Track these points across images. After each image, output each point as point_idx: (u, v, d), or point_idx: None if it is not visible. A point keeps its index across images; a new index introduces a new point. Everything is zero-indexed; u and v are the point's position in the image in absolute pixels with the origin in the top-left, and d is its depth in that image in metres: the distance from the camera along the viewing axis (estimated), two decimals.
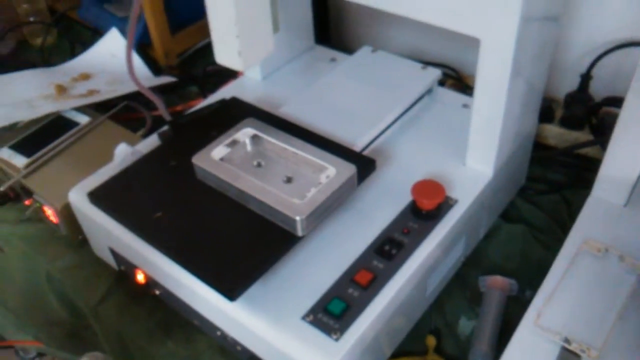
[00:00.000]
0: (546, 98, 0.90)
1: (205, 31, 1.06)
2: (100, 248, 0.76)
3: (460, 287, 0.73)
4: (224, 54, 0.62)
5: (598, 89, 0.86)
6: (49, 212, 0.82)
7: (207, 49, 1.14)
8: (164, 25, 1.05)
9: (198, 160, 0.64)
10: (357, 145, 0.69)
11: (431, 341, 0.67)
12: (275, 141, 0.66)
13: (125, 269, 0.74)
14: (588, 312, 0.55)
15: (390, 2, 0.61)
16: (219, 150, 0.65)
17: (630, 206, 0.65)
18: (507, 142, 0.68)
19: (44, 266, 0.83)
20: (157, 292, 0.70)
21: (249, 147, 0.67)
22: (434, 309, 0.70)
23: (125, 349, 0.73)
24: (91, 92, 1.01)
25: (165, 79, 1.02)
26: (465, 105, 0.79)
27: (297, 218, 0.57)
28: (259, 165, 0.65)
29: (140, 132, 0.91)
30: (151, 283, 0.70)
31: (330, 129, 0.71)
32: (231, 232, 0.60)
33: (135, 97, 0.99)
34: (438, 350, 0.67)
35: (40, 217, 0.85)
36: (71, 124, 0.90)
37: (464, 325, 0.69)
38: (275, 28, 0.63)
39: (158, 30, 1.05)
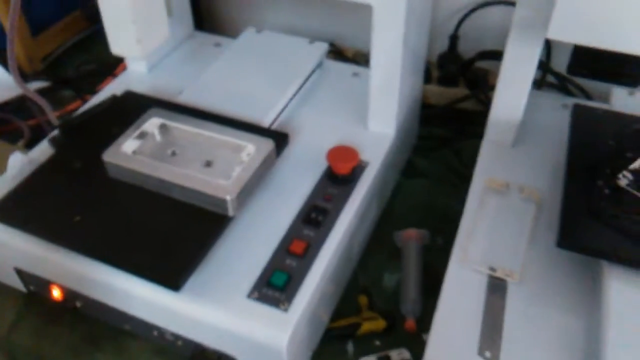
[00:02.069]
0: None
1: (70, 30, 1.01)
2: (3, 272, 0.70)
3: (378, 245, 0.76)
4: (120, 43, 0.60)
5: (465, 48, 0.93)
6: None
7: (75, 48, 1.08)
8: (24, 27, 0.98)
9: (109, 156, 0.61)
10: (264, 122, 0.70)
11: (363, 300, 0.70)
12: (186, 127, 0.65)
13: (35, 289, 0.69)
14: (504, 241, 0.61)
15: None
16: (129, 144, 0.62)
17: (517, 146, 0.72)
18: (403, 104, 0.72)
19: None
20: (78, 305, 0.67)
21: (159, 138, 0.65)
22: (359, 269, 0.73)
23: None
24: None
25: (39, 84, 0.95)
26: (355, 74, 0.82)
27: (228, 198, 0.56)
28: (173, 154, 0.64)
29: (21, 143, 0.84)
30: (69, 297, 0.66)
31: (233, 111, 0.71)
32: (159, 224, 0.58)
33: (2, 108, 0.92)
34: (370, 307, 0.70)
35: None
36: None
37: (389, 279, 0.73)
38: (169, 11, 0.62)
39: (18, 35, 0.97)
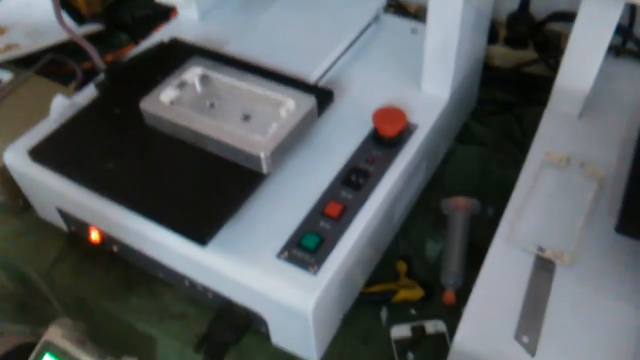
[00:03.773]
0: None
1: None
2: (46, 210, 0.71)
3: (423, 212, 0.73)
4: None
5: (537, 8, 0.86)
6: None
7: None
8: None
9: (146, 105, 0.59)
10: (311, 78, 0.67)
11: (402, 266, 0.67)
12: (226, 79, 0.62)
13: (76, 230, 0.70)
14: (557, 220, 0.56)
15: None
16: (167, 93, 0.61)
17: (584, 117, 0.66)
18: (461, 66, 0.67)
19: None
20: (115, 249, 0.67)
21: (198, 88, 0.63)
22: (401, 236, 0.70)
23: (86, 311, 0.69)
24: (9, 47, 0.93)
25: (92, 27, 0.95)
26: (414, 30, 0.77)
27: (262, 155, 0.54)
28: (212, 105, 0.62)
29: (72, 85, 0.85)
30: (107, 240, 0.66)
31: (280, 64, 0.68)
32: (192, 176, 0.57)
33: (60, 50, 0.92)
34: (409, 275, 0.67)
35: None
36: None
37: (432, 248, 0.70)
38: None
39: None
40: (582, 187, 0.59)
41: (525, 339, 0.48)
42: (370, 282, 0.66)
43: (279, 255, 0.54)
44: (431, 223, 0.72)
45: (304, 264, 0.54)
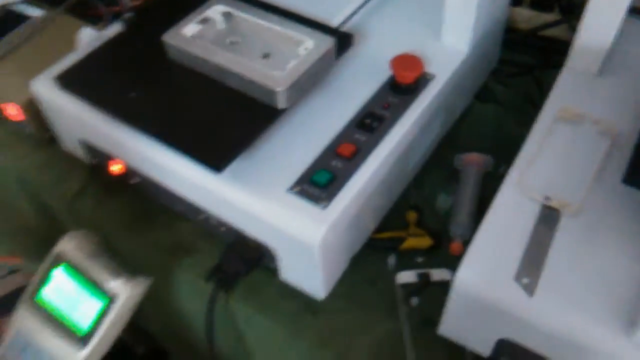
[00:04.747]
0: None
1: None
2: (70, 142, 0.74)
3: (438, 165, 0.74)
4: None
5: None
6: (12, 111, 0.78)
7: None
8: None
9: (169, 37, 0.61)
10: (333, 21, 0.68)
11: (412, 216, 0.69)
12: (248, 17, 0.63)
13: (98, 162, 0.72)
14: (566, 173, 0.57)
15: None
16: (190, 28, 0.62)
17: (603, 75, 0.66)
18: (482, 20, 0.67)
19: (13, 168, 0.80)
20: (135, 182, 0.69)
21: (221, 25, 0.64)
22: (414, 187, 0.72)
23: (106, 243, 0.72)
24: None
25: None
26: None
27: (278, 89, 0.55)
28: (233, 42, 0.63)
29: (100, 26, 0.86)
30: (128, 172, 0.69)
31: (303, 7, 0.68)
32: (210, 108, 0.59)
33: None
34: (419, 225, 0.69)
35: (2, 118, 0.81)
36: (23, 18, 0.85)
37: (443, 200, 0.71)
38: None
39: None
40: (595, 142, 0.59)
41: (525, 280, 0.49)
42: (380, 229, 0.68)
43: (291, 189, 0.56)
44: (444, 177, 0.73)
45: (314, 199, 0.55)
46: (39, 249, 0.98)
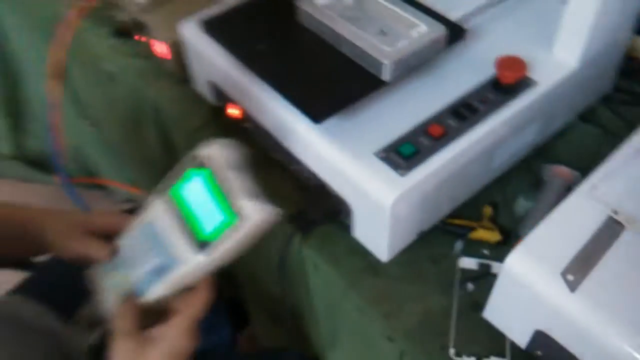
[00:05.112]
0: None
1: None
2: (201, 83, 0.84)
3: (525, 171, 0.76)
4: None
5: None
6: (160, 48, 0.90)
7: None
8: None
9: (303, 3, 0.69)
10: (452, 16, 0.72)
11: (487, 210, 0.72)
12: None
13: (220, 104, 0.82)
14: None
15: None
16: None
17: None
18: (597, 40, 0.69)
19: (149, 96, 0.93)
20: (248, 126, 0.78)
21: (349, 0, 0.71)
22: (497, 185, 0.75)
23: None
24: None
25: None
26: (563, 1, 0.79)
27: (385, 62, 0.62)
28: (356, 17, 0.70)
29: None
30: (244, 117, 0.77)
31: (431, 1, 0.74)
32: (324, 69, 0.66)
33: None
34: (492, 220, 0.72)
35: (150, 53, 0.93)
36: None
37: (522, 204, 0.73)
38: None
39: None
40: None
41: (570, 277, 0.52)
42: (454, 216, 0.72)
43: (377, 153, 0.62)
44: (529, 183, 0.75)
45: (395, 166, 0.61)
46: (157, 179, 1.11)
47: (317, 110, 0.61)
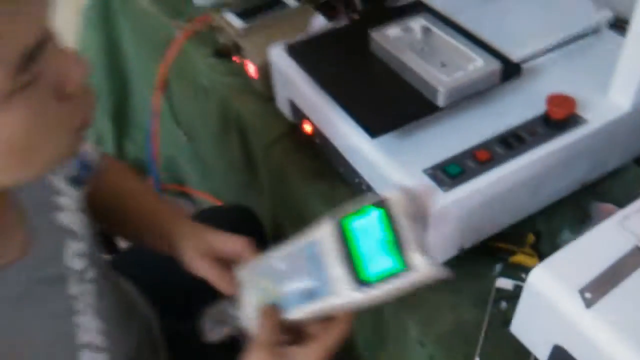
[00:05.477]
0: None
1: None
2: (282, 100, 0.94)
3: (574, 206, 0.80)
4: None
5: None
6: (251, 69, 1.02)
7: None
8: None
9: (375, 34, 0.78)
10: (513, 55, 0.78)
11: (530, 237, 0.77)
12: (441, 34, 0.78)
13: (296, 121, 0.91)
14: None
15: None
16: (393, 31, 0.78)
17: None
18: None
19: (239, 111, 1.04)
20: (319, 142, 0.87)
21: (418, 35, 0.80)
22: (543, 215, 0.79)
23: (284, 186, 0.91)
24: None
25: None
26: None
27: (440, 89, 0.69)
28: (422, 49, 0.78)
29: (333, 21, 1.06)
30: (315, 133, 0.87)
31: (493, 38, 0.80)
32: (387, 93, 0.75)
33: None
34: (534, 247, 0.76)
35: (243, 72, 1.05)
36: (283, 4, 1.09)
37: (566, 236, 0.77)
38: None
39: None
40: None
41: (587, 294, 0.56)
42: (498, 239, 0.77)
43: (425, 170, 0.69)
44: (576, 217, 0.79)
45: (440, 182, 0.67)
46: (237, 189, 1.22)
47: (375, 126, 0.69)
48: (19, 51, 0.41)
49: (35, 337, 0.56)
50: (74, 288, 0.61)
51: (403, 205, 0.52)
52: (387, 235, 0.51)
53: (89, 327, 0.63)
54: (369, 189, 0.76)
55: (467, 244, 0.75)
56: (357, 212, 0.54)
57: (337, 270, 0.53)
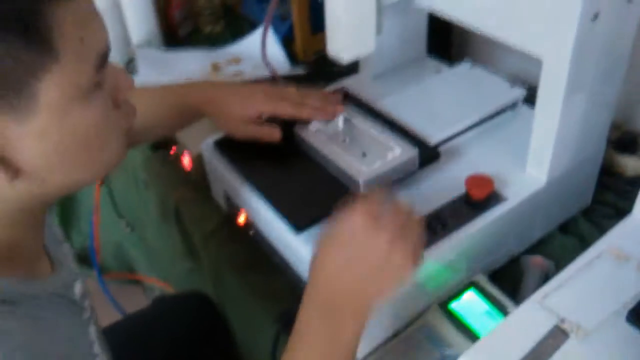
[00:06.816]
0: (632, 131, 0.96)
1: None
2: (217, 191, 0.95)
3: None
4: (332, 47, 0.78)
5: None
6: (186, 160, 1.03)
7: None
8: (306, 25, 1.24)
9: (299, 129, 0.80)
10: (432, 139, 0.82)
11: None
12: (362, 124, 0.81)
13: (231, 212, 0.92)
14: (590, 303, 0.63)
15: (469, 16, 0.74)
16: (315, 125, 0.81)
17: None
18: (563, 156, 0.76)
19: (173, 200, 1.04)
20: (252, 233, 0.88)
21: (340, 126, 0.82)
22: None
23: (223, 275, 0.91)
24: (237, 74, 1.22)
25: (296, 71, 1.20)
26: None
27: (359, 180, 0.71)
28: (344, 140, 0.80)
29: None
30: (248, 224, 0.87)
31: (413, 123, 0.84)
32: (311, 186, 0.76)
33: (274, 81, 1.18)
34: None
35: (178, 164, 1.06)
36: None
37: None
38: (378, 30, 0.78)
39: (301, 30, 1.24)
40: (630, 284, 0.65)
41: None
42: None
43: None
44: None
45: None
46: (184, 277, 1.21)
47: (299, 220, 0.70)
48: (98, 52, 0.50)
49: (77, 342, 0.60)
50: (85, 314, 0.65)
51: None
52: (486, 301, 0.73)
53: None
54: (300, 280, 0.77)
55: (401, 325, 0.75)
56: (454, 297, 0.73)
57: (458, 342, 0.70)
